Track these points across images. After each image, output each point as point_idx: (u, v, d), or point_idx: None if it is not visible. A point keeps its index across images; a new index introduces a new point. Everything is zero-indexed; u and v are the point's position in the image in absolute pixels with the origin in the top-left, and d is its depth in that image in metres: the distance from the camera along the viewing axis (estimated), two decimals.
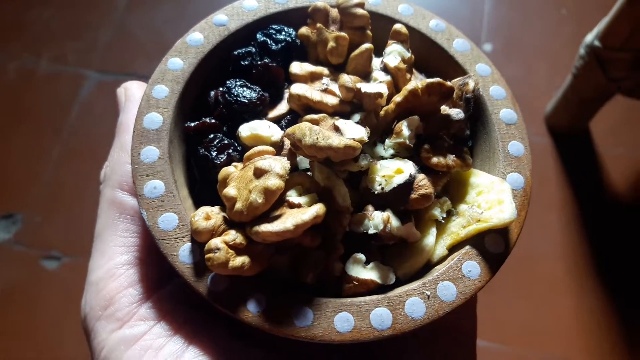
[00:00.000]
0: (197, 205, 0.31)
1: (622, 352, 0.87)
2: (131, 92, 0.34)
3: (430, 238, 0.29)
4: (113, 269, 0.29)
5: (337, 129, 0.28)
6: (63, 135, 1.08)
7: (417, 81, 0.29)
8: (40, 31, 1.21)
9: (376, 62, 0.33)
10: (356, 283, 0.28)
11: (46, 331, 0.93)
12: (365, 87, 0.29)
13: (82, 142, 1.07)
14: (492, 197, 0.29)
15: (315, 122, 0.29)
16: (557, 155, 1.02)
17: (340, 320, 0.26)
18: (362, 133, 0.28)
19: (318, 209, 0.26)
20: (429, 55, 0.36)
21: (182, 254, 0.27)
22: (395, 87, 0.32)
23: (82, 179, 1.00)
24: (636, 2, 0.74)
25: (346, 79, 0.30)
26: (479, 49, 0.35)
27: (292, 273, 0.28)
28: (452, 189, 0.31)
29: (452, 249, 0.30)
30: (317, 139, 0.26)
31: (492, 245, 0.29)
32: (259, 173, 0.26)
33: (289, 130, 0.28)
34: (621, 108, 1.02)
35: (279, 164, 0.26)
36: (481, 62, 0.34)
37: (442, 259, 0.29)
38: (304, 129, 0.27)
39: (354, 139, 0.27)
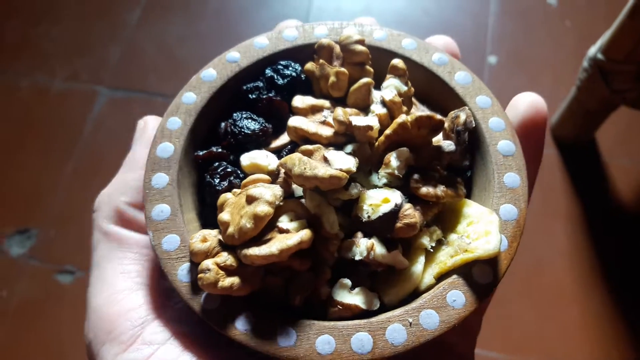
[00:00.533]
0: (205, 227, 0.33)
1: None
2: (147, 127, 0.36)
3: (418, 266, 0.30)
4: (113, 295, 0.31)
5: (325, 160, 0.29)
6: (76, 151, 1.11)
7: (406, 115, 0.30)
8: (52, 48, 1.25)
9: (377, 95, 0.35)
10: (340, 307, 0.29)
11: (60, 345, 0.94)
12: (356, 120, 0.31)
13: (95, 157, 1.09)
14: (480, 228, 0.29)
15: (310, 152, 0.31)
16: (563, 166, 1.02)
17: (322, 342, 0.27)
18: (350, 164, 0.29)
19: (303, 235, 0.28)
20: (430, 87, 0.37)
21: (180, 273, 0.30)
22: (391, 119, 0.33)
23: (95, 194, 1.01)
24: (638, 17, 0.75)
25: (339, 112, 0.31)
26: (481, 82, 0.36)
27: (285, 295, 0.30)
28: (446, 218, 0.31)
29: (441, 277, 0.30)
30: (305, 169, 0.28)
31: (480, 276, 0.29)
32: (250, 200, 0.28)
33: (282, 160, 0.30)
34: (627, 119, 1.01)
35: (270, 192, 0.28)
36: (482, 94, 0.35)
37: (430, 287, 0.30)
38: (294, 159, 0.29)
39: (341, 170, 0.28)
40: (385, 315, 0.28)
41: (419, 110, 0.36)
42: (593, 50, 0.85)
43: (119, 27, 1.26)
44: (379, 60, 0.37)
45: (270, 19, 1.23)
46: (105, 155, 1.09)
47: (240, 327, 0.28)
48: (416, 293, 0.30)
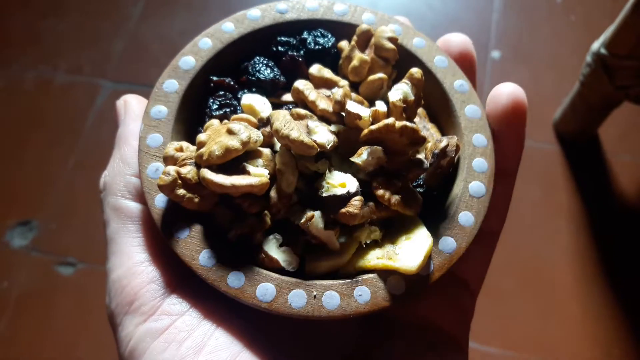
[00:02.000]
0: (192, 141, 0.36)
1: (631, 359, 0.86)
2: (130, 105, 0.37)
3: (345, 255, 0.32)
4: (134, 267, 0.32)
5: (307, 129, 0.31)
6: (78, 144, 1.11)
7: (392, 119, 0.32)
8: (56, 41, 1.25)
9: (389, 93, 0.36)
10: (264, 256, 0.31)
11: (61, 336, 0.95)
12: (351, 106, 0.32)
13: (97, 150, 1.10)
14: (412, 245, 0.31)
15: (300, 117, 0.33)
16: (566, 162, 1.02)
17: (233, 277, 0.30)
18: (325, 140, 0.31)
19: (255, 181, 0.30)
20: (442, 109, 0.38)
21: (149, 169, 0.33)
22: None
23: (97, 187, 1.01)
24: None
25: (339, 92, 0.33)
26: (485, 119, 0.37)
27: (226, 227, 0.32)
28: (395, 227, 0.33)
29: (360, 272, 0.32)
30: (283, 126, 0.30)
31: (393, 285, 0.31)
32: (229, 132, 0.31)
33: (272, 112, 0.32)
34: (630, 115, 1.00)
35: (247, 133, 0.31)
36: (480, 132, 0.36)
37: (348, 276, 0.32)
38: (280, 115, 0.31)
39: (315, 141, 0.31)
40: (295, 280, 0.31)
41: (422, 123, 0.38)
42: (596, 45, 0.84)
43: (122, 21, 1.26)
44: (408, 64, 0.38)
45: None
46: (108, 148, 1.08)
47: (179, 233, 0.31)
48: (333, 276, 0.32)
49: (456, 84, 0.38)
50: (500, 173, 0.36)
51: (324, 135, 0.31)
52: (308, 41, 0.38)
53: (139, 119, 0.36)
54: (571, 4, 1.18)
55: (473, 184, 0.34)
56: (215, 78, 0.37)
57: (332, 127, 0.33)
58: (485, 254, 0.38)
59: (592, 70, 0.86)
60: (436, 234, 0.33)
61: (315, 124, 0.32)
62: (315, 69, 0.36)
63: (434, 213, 0.34)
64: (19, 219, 1.05)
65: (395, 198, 0.32)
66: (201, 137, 0.32)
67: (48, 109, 1.17)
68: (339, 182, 0.31)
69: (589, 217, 0.97)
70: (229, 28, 0.38)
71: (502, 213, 0.38)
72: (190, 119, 0.37)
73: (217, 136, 0.31)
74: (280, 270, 0.31)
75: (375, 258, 0.32)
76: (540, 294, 0.92)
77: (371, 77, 0.36)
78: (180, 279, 0.32)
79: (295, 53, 0.37)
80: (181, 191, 0.30)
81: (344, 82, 0.37)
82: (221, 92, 0.36)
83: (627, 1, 0.76)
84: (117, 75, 1.18)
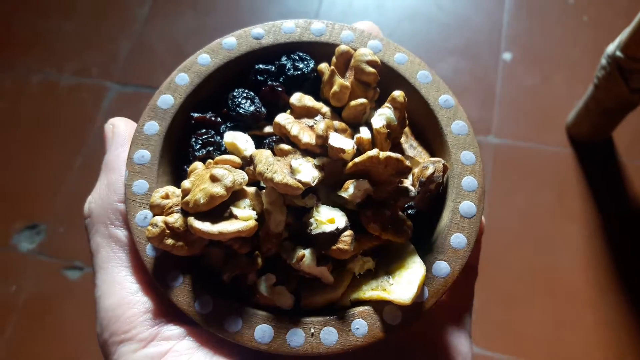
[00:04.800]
0: (177, 183, 0.35)
1: None
2: (118, 129, 0.37)
3: (340, 288, 0.32)
4: (127, 297, 0.32)
5: (290, 168, 0.31)
6: (85, 147, 1.11)
7: (381, 150, 0.31)
8: (61, 43, 1.25)
9: (372, 116, 0.35)
10: (258, 297, 0.32)
11: (68, 339, 0.95)
12: (334, 140, 0.32)
13: (104, 153, 1.09)
14: (406, 275, 0.31)
15: (284, 153, 0.33)
16: (579, 166, 1.00)
17: (231, 322, 0.31)
18: (309, 178, 0.31)
19: (242, 226, 0.30)
20: (427, 125, 0.38)
21: (138, 217, 0.33)
22: (373, 146, 0.34)
23: None
24: None
25: (321, 126, 0.32)
26: (473, 135, 0.36)
27: (219, 268, 0.33)
28: (386, 253, 0.33)
29: (356, 303, 0.32)
30: (266, 169, 0.30)
31: (389, 316, 0.31)
32: (213, 178, 0.31)
33: (254, 152, 0.32)
34: None
35: (231, 177, 0.31)
36: (469, 150, 0.36)
37: (344, 308, 0.32)
38: (262, 156, 0.31)
39: (300, 181, 0.31)
40: (290, 319, 0.31)
41: (408, 143, 0.37)
42: (612, 47, 0.83)
43: (128, 23, 1.25)
44: (391, 82, 0.38)
45: (281, 15, 1.22)
46: None
47: (173, 281, 0.31)
48: (330, 308, 0.32)
49: (441, 99, 0.37)
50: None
51: (307, 173, 0.31)
52: (287, 67, 0.37)
53: (126, 143, 0.36)
54: (584, 5, 1.16)
55: (463, 204, 0.34)
56: (195, 115, 0.36)
57: (317, 161, 0.33)
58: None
59: (607, 73, 0.85)
60: (429, 259, 0.33)
61: (298, 162, 0.32)
62: (296, 98, 0.36)
63: (427, 234, 0.35)
64: (26, 223, 1.05)
65: (386, 229, 0.32)
66: (185, 184, 0.32)
67: (54, 112, 1.17)
68: (327, 219, 0.31)
69: (603, 222, 0.95)
70: (205, 60, 0.37)
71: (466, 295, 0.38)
72: (174, 159, 0.36)
73: (201, 182, 0.31)
74: (277, 309, 0.32)
75: (370, 289, 0.32)
76: (553, 300, 0.91)
77: (353, 103, 0.35)
78: (176, 309, 0.33)
79: (274, 83, 0.37)
80: (170, 240, 0.31)
81: (326, 109, 0.36)
82: (203, 130, 0.35)
83: None
84: (123, 77, 1.18)
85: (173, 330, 0.31)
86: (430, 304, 0.32)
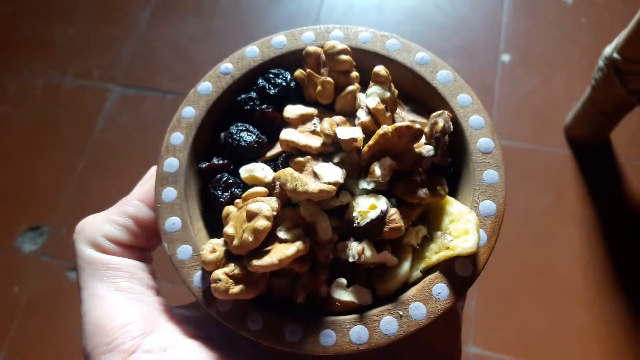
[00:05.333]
0: (211, 232, 0.37)
1: None
2: (150, 172, 0.38)
3: (406, 263, 0.33)
4: (111, 309, 0.33)
5: (315, 174, 0.32)
6: (88, 148, 1.12)
7: (387, 125, 0.33)
8: (65, 47, 1.26)
9: (363, 97, 0.37)
10: (338, 304, 0.32)
11: (70, 341, 0.96)
12: (342, 133, 0.33)
13: (106, 155, 1.10)
14: (461, 226, 0.32)
15: (301, 165, 0.34)
16: (577, 167, 1.01)
17: (324, 336, 0.31)
18: (337, 176, 0.32)
19: (299, 245, 0.31)
20: (415, 86, 0.39)
21: (195, 280, 0.33)
22: (376, 124, 0.35)
23: (106, 192, 1.03)
24: None
25: (325, 126, 0.34)
26: (462, 80, 0.38)
27: (290, 294, 0.33)
28: (431, 215, 0.34)
29: (427, 271, 0.33)
30: (296, 185, 0.31)
31: (461, 269, 0.32)
32: (250, 215, 0.32)
33: (276, 175, 0.33)
34: None
35: (267, 207, 0.32)
36: (463, 92, 0.37)
37: (418, 280, 0.33)
38: (287, 175, 0.32)
39: (329, 183, 0.31)
40: (378, 309, 0.32)
41: (404, 111, 0.38)
42: (609, 49, 0.83)
43: (131, 25, 1.26)
44: (365, 61, 0.39)
45: (283, 17, 1.23)
46: (117, 153, 1.10)
47: (251, 326, 0.32)
48: (406, 285, 0.33)
49: (417, 57, 0.38)
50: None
51: (332, 173, 0.32)
52: (266, 88, 0.38)
53: (149, 182, 0.37)
54: (582, 6, 1.17)
55: (480, 141, 0.35)
56: (203, 166, 0.37)
57: (335, 159, 0.34)
58: None
59: (604, 75, 0.85)
60: (475, 202, 0.34)
61: (319, 167, 0.33)
62: (289, 111, 0.37)
63: (456, 184, 0.36)
64: (29, 224, 1.06)
65: (423, 192, 0.33)
66: (228, 230, 0.32)
67: (57, 114, 1.18)
68: (369, 206, 0.32)
69: (601, 223, 0.96)
70: (189, 113, 0.38)
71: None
72: (201, 210, 0.37)
73: (241, 223, 0.32)
74: (357, 309, 0.32)
75: (433, 254, 0.33)
76: (551, 300, 0.91)
77: (342, 94, 0.36)
78: (160, 318, 0.34)
79: (263, 106, 0.37)
80: (236, 289, 0.31)
81: (317, 111, 0.37)
82: (218, 176, 0.36)
83: (639, 5, 0.75)
84: (126, 80, 1.19)
85: (155, 341, 0.32)
86: (492, 242, 0.33)
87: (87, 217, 0.37)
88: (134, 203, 0.37)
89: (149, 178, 0.38)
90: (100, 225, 0.36)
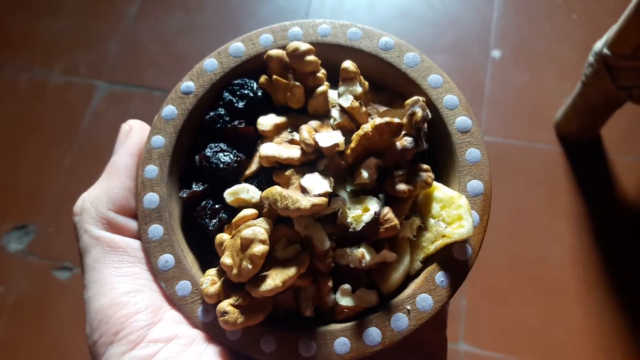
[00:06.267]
0: (203, 261, 0.36)
1: None
2: (132, 134, 0.37)
3: (406, 257, 0.33)
4: (118, 297, 0.32)
5: (303, 189, 0.32)
6: (74, 145, 1.10)
7: (366, 125, 0.32)
8: (51, 42, 1.23)
9: (333, 94, 0.36)
10: (346, 310, 0.32)
11: (57, 341, 0.95)
12: (322, 141, 0.32)
13: (93, 152, 1.09)
14: (453, 212, 0.33)
15: (287, 179, 0.33)
16: (568, 163, 1.01)
17: (339, 344, 0.31)
18: (325, 187, 0.31)
19: (300, 263, 0.31)
20: (384, 73, 0.38)
21: (200, 314, 0.33)
22: (353, 121, 0.35)
23: None
24: None
25: (304, 135, 0.33)
26: (430, 60, 0.37)
27: (296, 307, 0.33)
28: (421, 204, 0.34)
29: (426, 260, 0.33)
30: (287, 204, 0.30)
31: (459, 253, 0.33)
32: (245, 243, 0.31)
33: (263, 194, 0.32)
34: (633, 115, 1.00)
35: (260, 229, 0.31)
36: (433, 73, 0.36)
37: (419, 271, 0.33)
38: (275, 194, 0.31)
39: (319, 194, 0.31)
40: (387, 308, 0.32)
41: (377, 101, 0.38)
42: (599, 45, 0.83)
43: (117, 21, 1.24)
44: (330, 54, 0.37)
45: (272, 11, 1.21)
46: (104, 150, 1.08)
47: (265, 349, 0.32)
48: (409, 277, 0.33)
49: (380, 42, 0.37)
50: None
51: (320, 183, 0.32)
52: (234, 102, 0.37)
53: (136, 152, 0.36)
54: (572, 2, 1.16)
55: (458, 120, 0.35)
56: (184, 195, 0.35)
57: (319, 167, 0.33)
58: None
59: (594, 71, 0.85)
60: (462, 184, 0.34)
61: (305, 180, 0.32)
62: (263, 124, 0.36)
63: (439, 168, 0.36)
64: (15, 223, 1.04)
65: (412, 184, 0.33)
66: (225, 261, 0.32)
67: (43, 111, 1.16)
68: (362, 209, 0.32)
69: (592, 219, 0.96)
70: (159, 143, 0.36)
71: None
72: (189, 242, 0.36)
73: (237, 251, 0.31)
74: (365, 312, 0.32)
75: (430, 243, 0.33)
76: (543, 297, 0.91)
77: (313, 96, 0.35)
78: (166, 306, 0.33)
79: (235, 122, 0.36)
80: (242, 317, 0.31)
81: (291, 118, 0.36)
82: (202, 204, 0.35)
83: (630, 0, 0.74)
84: (112, 76, 1.17)
85: (162, 332, 0.31)
86: (485, 221, 0.33)
87: (83, 195, 0.35)
88: (125, 175, 0.35)
89: (127, 140, 0.37)
90: (103, 198, 0.34)
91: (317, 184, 0.32)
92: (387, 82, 0.38)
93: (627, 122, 1.02)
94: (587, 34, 1.11)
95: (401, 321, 0.31)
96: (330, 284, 0.32)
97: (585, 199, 0.98)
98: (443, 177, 0.36)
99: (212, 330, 0.32)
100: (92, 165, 1.07)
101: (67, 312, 0.96)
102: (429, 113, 0.34)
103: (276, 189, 0.32)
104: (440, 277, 0.32)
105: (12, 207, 1.06)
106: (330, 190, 0.32)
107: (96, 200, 0.34)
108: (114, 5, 1.26)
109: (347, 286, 0.33)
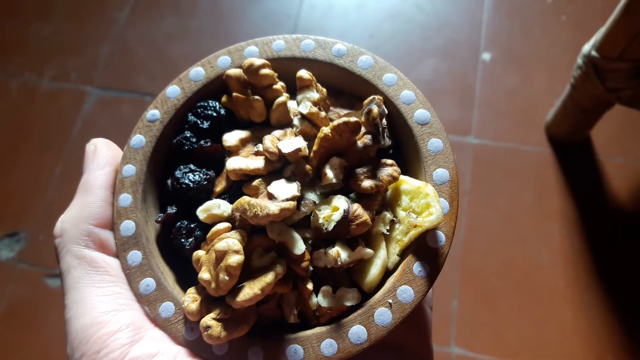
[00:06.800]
0: (183, 279, 0.36)
1: None
2: (98, 152, 0.38)
3: (381, 251, 0.34)
4: (99, 316, 0.32)
5: (271, 196, 0.32)
6: (65, 152, 1.10)
7: (325, 127, 0.33)
8: (41, 48, 1.23)
9: (293, 104, 0.37)
10: (330, 312, 0.33)
11: (49, 348, 0.94)
12: (285, 147, 0.33)
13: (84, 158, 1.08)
14: (421, 201, 0.33)
15: (256, 189, 0.34)
16: (558, 165, 1.01)
17: (326, 346, 0.32)
18: (293, 191, 0.32)
19: (277, 268, 0.31)
20: (341, 79, 0.39)
21: (186, 334, 0.33)
22: (315, 127, 0.36)
23: None
24: (632, 13, 0.73)
25: (267, 144, 0.34)
26: (384, 61, 0.38)
27: (280, 315, 0.34)
28: (391, 199, 0.35)
29: (403, 253, 0.34)
30: (256, 211, 0.31)
31: (433, 241, 0.33)
32: (220, 255, 0.31)
33: (233, 207, 0.33)
34: (622, 116, 1.00)
35: (234, 240, 0.31)
36: (387, 72, 0.38)
37: (397, 264, 0.34)
38: (243, 204, 0.32)
39: (287, 199, 0.32)
40: (368, 304, 0.32)
41: (337, 106, 0.39)
42: (587, 47, 0.83)
43: (108, 26, 1.24)
44: (288, 68, 0.39)
45: (262, 16, 1.21)
46: None
47: (254, 359, 0.32)
48: (388, 272, 0.34)
49: (360, 61, 0.39)
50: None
51: (287, 188, 0.32)
52: (199, 123, 0.38)
53: (106, 166, 0.37)
54: (562, 4, 1.17)
55: (416, 113, 0.36)
56: (159, 219, 0.36)
57: (287, 173, 0.34)
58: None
59: (583, 73, 0.85)
60: (427, 174, 0.35)
61: (272, 187, 0.33)
62: (228, 140, 0.36)
63: (407, 160, 0.37)
64: (5, 231, 1.04)
65: (378, 180, 0.33)
66: (203, 276, 0.32)
67: (34, 117, 1.16)
68: (332, 209, 0.33)
69: (582, 220, 0.96)
70: (130, 172, 0.37)
71: None
72: (170, 264, 0.37)
73: (213, 265, 0.32)
74: (348, 311, 0.33)
75: (404, 235, 0.34)
76: (534, 299, 0.91)
77: (273, 107, 0.37)
78: (148, 324, 0.33)
79: (201, 142, 0.37)
80: (226, 331, 0.31)
81: (255, 132, 0.37)
82: (177, 225, 0.36)
83: (618, 2, 0.75)
84: (103, 82, 1.17)
85: (144, 349, 0.31)
86: (455, 207, 0.34)
87: (61, 217, 0.35)
88: (100, 189, 0.36)
89: (94, 158, 0.37)
90: (82, 215, 0.35)
91: (284, 189, 0.33)
92: (346, 87, 0.40)
93: (617, 123, 1.02)
94: (577, 35, 1.11)
95: (384, 315, 0.32)
96: (310, 286, 0.33)
97: (575, 201, 0.98)
98: (410, 170, 0.37)
99: (199, 347, 0.32)
100: (83, 162, 1.07)
101: (58, 319, 0.95)
102: (385, 109, 0.35)
103: (244, 199, 0.32)
104: (417, 267, 0.33)
105: (3, 215, 1.06)
106: (297, 194, 0.32)
107: (75, 219, 0.35)
108: (105, 10, 1.26)
109: (326, 287, 0.33)
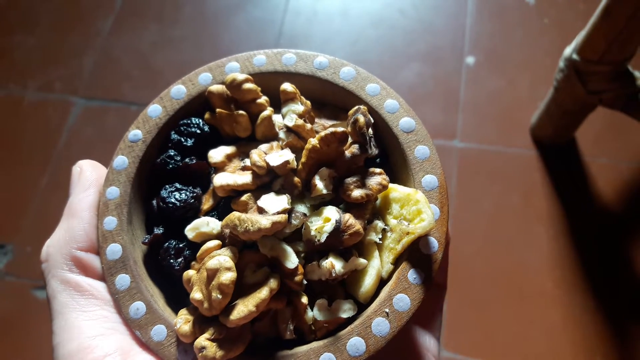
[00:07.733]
0: (171, 298, 0.35)
1: None
2: (84, 174, 0.37)
3: (375, 261, 0.34)
4: (87, 341, 0.31)
5: (261, 210, 0.32)
6: (51, 163, 1.09)
7: (312, 138, 0.33)
8: (25, 58, 1.22)
9: (278, 118, 0.37)
10: (326, 325, 0.32)
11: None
12: (272, 160, 0.33)
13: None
14: (412, 208, 0.33)
15: (245, 204, 0.33)
16: (543, 167, 1.02)
17: (351, 346, 0.31)
18: (283, 204, 0.32)
19: (271, 284, 0.31)
20: (324, 91, 0.39)
21: (179, 357, 0.32)
22: (301, 139, 0.36)
23: None
24: (611, 16, 0.74)
25: (255, 158, 0.33)
26: (365, 71, 0.39)
27: (276, 332, 0.33)
28: (381, 207, 0.35)
29: (397, 261, 0.34)
30: (247, 226, 0.31)
31: (426, 248, 0.33)
32: (212, 274, 0.31)
33: (223, 223, 0.32)
34: (606, 117, 1.01)
35: (225, 258, 0.31)
36: (369, 82, 0.38)
37: (392, 273, 0.33)
38: (234, 220, 0.31)
39: (278, 212, 0.31)
40: (365, 314, 0.32)
41: (322, 118, 0.39)
42: (568, 50, 0.84)
43: (92, 36, 1.24)
44: (270, 83, 0.39)
45: (246, 23, 1.21)
46: None
47: None
48: (383, 281, 0.34)
49: (342, 73, 0.39)
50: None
51: (277, 202, 0.32)
52: (182, 141, 0.37)
53: (91, 187, 0.37)
54: (544, 7, 1.18)
55: (401, 122, 0.37)
56: (146, 240, 0.35)
57: (276, 186, 0.34)
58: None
59: (565, 76, 0.86)
60: (416, 181, 0.35)
61: (262, 200, 0.32)
62: (213, 156, 0.36)
63: (395, 169, 0.37)
64: None
65: (368, 189, 0.33)
66: (195, 296, 0.31)
67: (19, 129, 1.15)
68: (323, 220, 0.32)
69: (568, 222, 0.97)
70: (114, 194, 0.36)
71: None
72: (160, 286, 0.36)
73: (205, 284, 0.31)
74: (344, 324, 0.32)
75: (397, 243, 0.33)
76: (522, 301, 0.91)
77: (258, 121, 0.36)
78: (136, 347, 0.33)
79: (186, 160, 0.36)
80: (223, 351, 0.30)
81: (241, 147, 0.37)
82: (165, 246, 0.35)
83: (598, 5, 0.75)
84: (88, 92, 1.16)
85: None
86: (446, 212, 0.34)
87: (47, 241, 0.35)
88: (84, 211, 0.35)
89: (79, 180, 0.37)
90: (67, 239, 0.34)
91: (273, 202, 0.32)
92: (329, 98, 0.40)
93: (601, 124, 1.03)
94: (559, 38, 1.12)
95: (382, 325, 0.32)
96: (305, 300, 0.32)
97: (561, 202, 0.99)
98: (398, 178, 0.37)
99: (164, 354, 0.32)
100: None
101: (48, 331, 0.94)
102: (371, 118, 0.35)
103: (234, 215, 0.32)
104: (412, 274, 0.33)
105: None
106: (288, 206, 0.32)
107: (59, 243, 0.34)
108: (88, 20, 1.25)
109: (322, 300, 0.32)
